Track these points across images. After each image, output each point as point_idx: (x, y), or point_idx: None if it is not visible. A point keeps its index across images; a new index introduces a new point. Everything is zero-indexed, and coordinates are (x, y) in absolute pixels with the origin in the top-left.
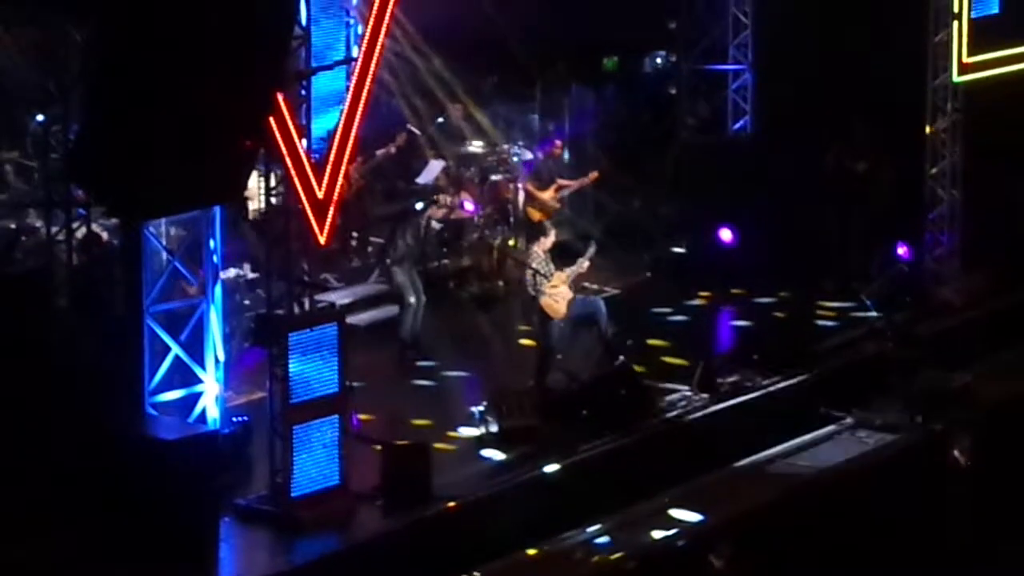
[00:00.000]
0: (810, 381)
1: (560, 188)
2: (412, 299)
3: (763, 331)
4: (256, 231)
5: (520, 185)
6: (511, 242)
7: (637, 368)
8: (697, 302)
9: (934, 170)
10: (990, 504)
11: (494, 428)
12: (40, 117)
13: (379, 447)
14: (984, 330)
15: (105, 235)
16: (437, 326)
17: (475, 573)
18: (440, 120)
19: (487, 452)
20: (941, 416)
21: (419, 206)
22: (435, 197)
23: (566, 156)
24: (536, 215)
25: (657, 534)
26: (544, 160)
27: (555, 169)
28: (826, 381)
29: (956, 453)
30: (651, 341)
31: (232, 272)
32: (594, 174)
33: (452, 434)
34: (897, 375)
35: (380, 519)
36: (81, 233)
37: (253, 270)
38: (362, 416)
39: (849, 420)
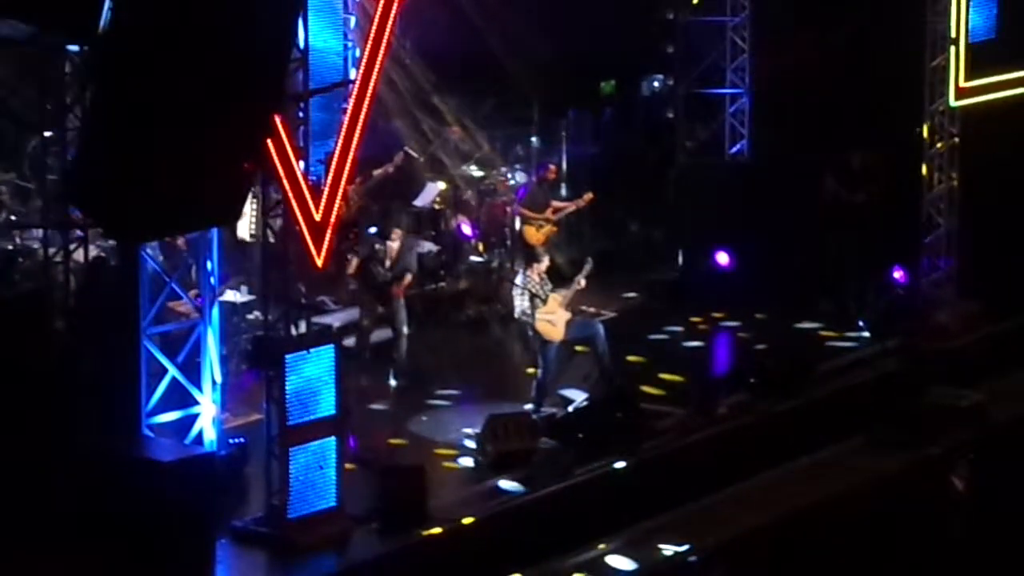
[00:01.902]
0: (808, 404)
1: (556, 211)
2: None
3: (760, 354)
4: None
5: (515, 208)
6: (508, 264)
7: (635, 390)
8: (695, 323)
9: (931, 194)
10: (995, 528)
11: (490, 451)
12: (38, 138)
13: (375, 469)
14: (982, 355)
15: (103, 256)
16: (434, 349)
17: None
18: (438, 142)
19: (483, 475)
20: (948, 436)
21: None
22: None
23: (563, 180)
24: (533, 237)
25: (652, 558)
26: (539, 184)
27: (550, 193)
28: (824, 404)
29: (955, 480)
30: (648, 364)
31: (229, 294)
32: (588, 195)
33: (448, 456)
34: (903, 395)
35: (376, 541)
36: (79, 255)
37: (250, 292)
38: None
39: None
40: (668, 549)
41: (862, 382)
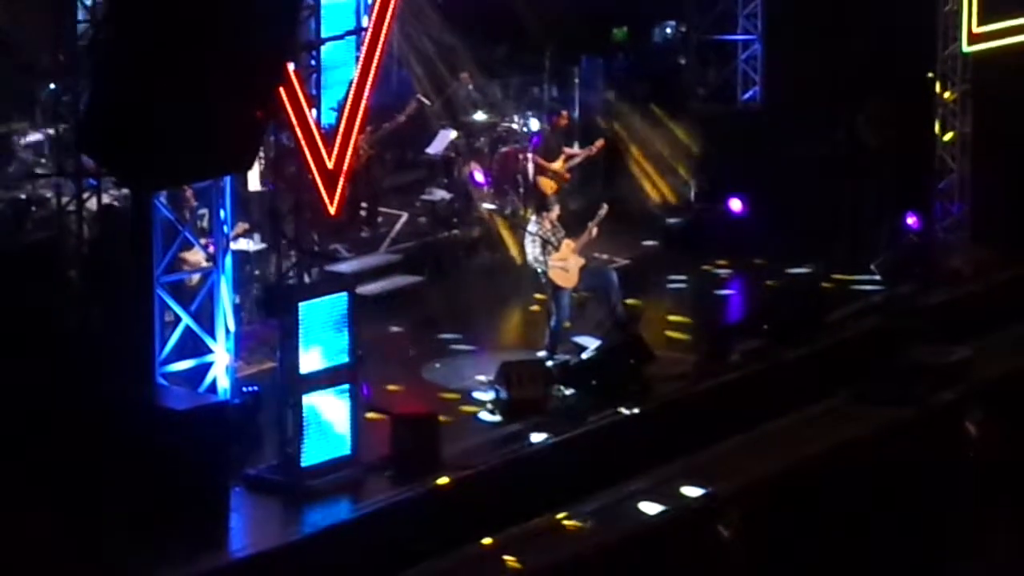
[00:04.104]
0: (819, 352)
1: (568, 159)
2: None
3: (773, 302)
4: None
5: (529, 156)
6: (521, 212)
7: (646, 338)
8: (708, 270)
9: (944, 140)
10: (990, 478)
11: (504, 398)
12: (51, 87)
13: (388, 417)
14: (993, 302)
15: (116, 205)
16: (447, 297)
17: (484, 542)
18: (450, 90)
19: (496, 422)
20: (938, 391)
21: None
22: None
23: (575, 127)
24: (547, 186)
25: (666, 503)
26: (551, 131)
27: (562, 140)
28: (835, 352)
29: (969, 425)
30: (660, 311)
31: (242, 242)
32: (600, 142)
33: (461, 403)
34: (899, 348)
35: (389, 489)
36: (93, 204)
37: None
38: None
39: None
40: (679, 496)
41: (871, 330)
